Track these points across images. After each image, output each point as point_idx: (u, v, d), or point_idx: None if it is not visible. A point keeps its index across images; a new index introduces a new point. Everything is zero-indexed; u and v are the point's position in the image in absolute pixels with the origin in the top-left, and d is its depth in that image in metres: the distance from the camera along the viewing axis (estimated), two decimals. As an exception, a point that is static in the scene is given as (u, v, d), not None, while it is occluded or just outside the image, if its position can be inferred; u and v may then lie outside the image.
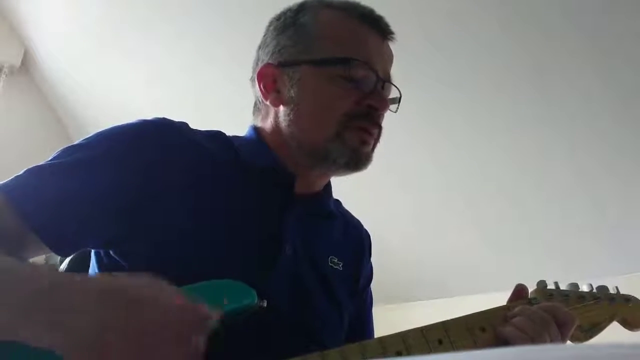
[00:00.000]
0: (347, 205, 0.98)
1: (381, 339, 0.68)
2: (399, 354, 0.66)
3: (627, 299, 0.85)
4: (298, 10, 0.85)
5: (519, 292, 0.80)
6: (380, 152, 0.86)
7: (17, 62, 3.48)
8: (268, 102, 0.83)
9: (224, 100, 2.70)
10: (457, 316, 0.74)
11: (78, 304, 0.51)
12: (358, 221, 0.98)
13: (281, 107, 0.81)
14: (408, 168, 2.37)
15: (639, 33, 1.49)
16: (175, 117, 0.82)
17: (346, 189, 0.98)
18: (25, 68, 3.63)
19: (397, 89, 0.86)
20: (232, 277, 0.66)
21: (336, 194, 0.93)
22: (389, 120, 0.87)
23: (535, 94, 1.81)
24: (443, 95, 2.00)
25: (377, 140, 0.83)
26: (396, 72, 0.87)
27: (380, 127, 0.83)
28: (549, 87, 1.78)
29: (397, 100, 0.87)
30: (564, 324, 0.72)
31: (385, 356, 0.65)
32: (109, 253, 0.73)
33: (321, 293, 0.80)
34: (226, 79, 2.54)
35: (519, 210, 2.25)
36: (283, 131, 0.81)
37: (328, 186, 0.90)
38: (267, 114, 0.85)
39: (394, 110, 0.87)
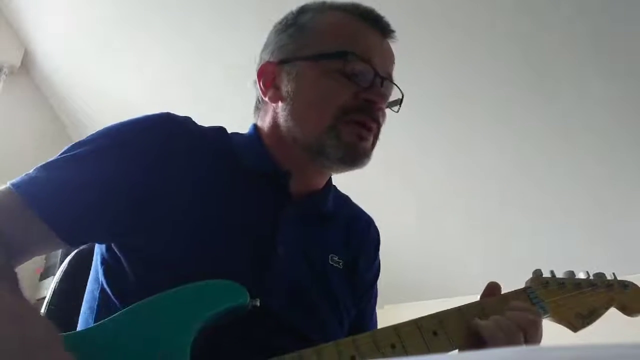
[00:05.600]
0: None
1: (374, 332, 0.68)
2: (392, 346, 0.66)
3: (625, 284, 0.85)
4: (299, 12, 0.86)
5: (492, 289, 0.79)
6: (382, 150, 0.85)
7: (17, 62, 3.48)
8: (267, 99, 0.83)
9: (226, 100, 2.70)
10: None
11: None
12: (368, 217, 0.97)
13: (279, 103, 0.82)
14: (410, 168, 2.37)
15: (638, 33, 1.49)
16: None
17: (346, 189, 0.98)
18: (25, 68, 3.63)
19: (399, 88, 0.85)
20: (226, 277, 0.66)
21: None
22: (395, 118, 0.87)
23: (536, 93, 1.81)
24: (445, 93, 2.00)
25: (375, 137, 0.82)
26: (396, 69, 0.86)
27: (378, 124, 0.81)
28: (551, 87, 1.78)
29: (399, 101, 0.86)
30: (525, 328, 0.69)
31: (378, 349, 0.65)
32: (112, 248, 0.73)
33: (319, 293, 0.80)
34: (229, 78, 2.53)
35: (519, 210, 2.24)
36: (280, 127, 0.82)
37: (328, 185, 0.89)
38: (266, 111, 0.85)
39: (396, 110, 0.86)
